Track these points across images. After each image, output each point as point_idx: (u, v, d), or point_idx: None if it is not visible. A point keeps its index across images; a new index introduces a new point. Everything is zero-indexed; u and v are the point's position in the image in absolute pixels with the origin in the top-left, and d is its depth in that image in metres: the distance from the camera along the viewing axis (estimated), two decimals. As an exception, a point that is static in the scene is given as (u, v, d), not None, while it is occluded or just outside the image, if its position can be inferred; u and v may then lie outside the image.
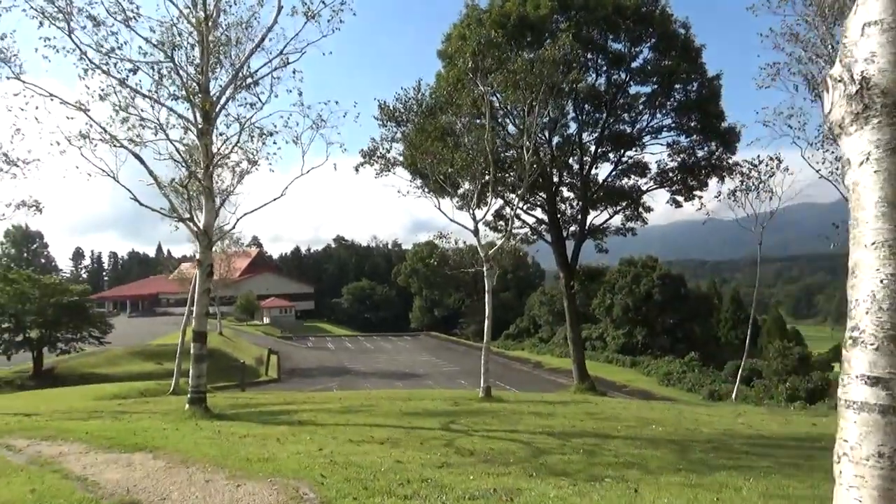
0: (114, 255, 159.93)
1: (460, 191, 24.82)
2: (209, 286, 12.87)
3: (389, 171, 20.76)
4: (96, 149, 12.00)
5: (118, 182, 12.26)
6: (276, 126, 13.60)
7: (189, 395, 12.87)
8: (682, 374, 52.70)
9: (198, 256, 12.63)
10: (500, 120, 22.91)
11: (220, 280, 64.58)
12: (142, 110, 12.36)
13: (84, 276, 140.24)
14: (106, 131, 11.95)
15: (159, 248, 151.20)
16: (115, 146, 12.12)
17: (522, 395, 21.37)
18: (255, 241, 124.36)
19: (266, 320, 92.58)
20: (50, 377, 37.99)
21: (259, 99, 13.13)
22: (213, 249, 37.02)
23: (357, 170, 19.89)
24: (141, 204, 12.41)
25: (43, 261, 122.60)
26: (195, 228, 12.69)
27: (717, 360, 60.22)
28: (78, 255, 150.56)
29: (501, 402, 17.22)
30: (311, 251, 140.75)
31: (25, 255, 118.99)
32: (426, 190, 25.48)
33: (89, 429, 11.29)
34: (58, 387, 33.62)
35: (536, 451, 8.63)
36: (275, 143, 13.52)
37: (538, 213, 31.42)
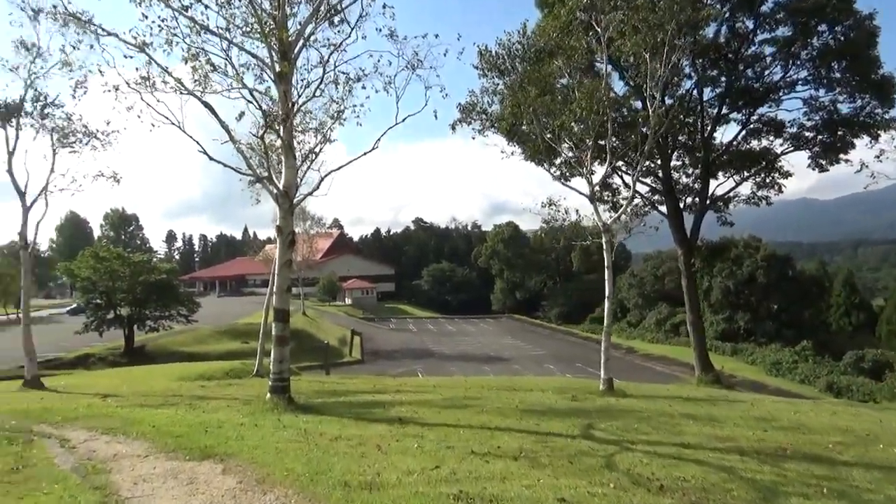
0: (203, 237, 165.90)
1: (558, 160, 22.25)
2: (290, 257, 11.01)
3: (489, 130, 18.46)
4: (157, 93, 10.30)
5: (184, 131, 10.57)
6: (363, 70, 11.54)
7: (270, 383, 11.07)
8: (793, 364, 47.83)
9: (277, 223, 10.78)
10: (608, 74, 20.06)
11: (303, 261, 64.68)
12: (208, 55, 10.50)
13: (176, 257, 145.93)
14: (169, 73, 10.23)
15: (245, 231, 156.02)
16: (180, 93, 10.41)
17: (645, 387, 18.64)
18: (337, 224, 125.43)
19: (348, 301, 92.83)
20: (141, 354, 38.25)
21: (345, 36, 11.07)
22: (297, 230, 36.05)
23: (454, 128, 17.68)
24: (210, 158, 10.68)
25: (138, 242, 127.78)
26: (274, 190, 10.84)
27: (829, 348, 54.66)
28: (171, 238, 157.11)
29: (627, 396, 14.66)
30: (391, 233, 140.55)
31: (122, 237, 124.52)
32: (525, 155, 23.05)
33: (158, 420, 9.66)
34: (147, 364, 33.58)
35: (756, 486, 6.12)
36: (363, 87, 11.49)
37: (647, 183, 28.17)
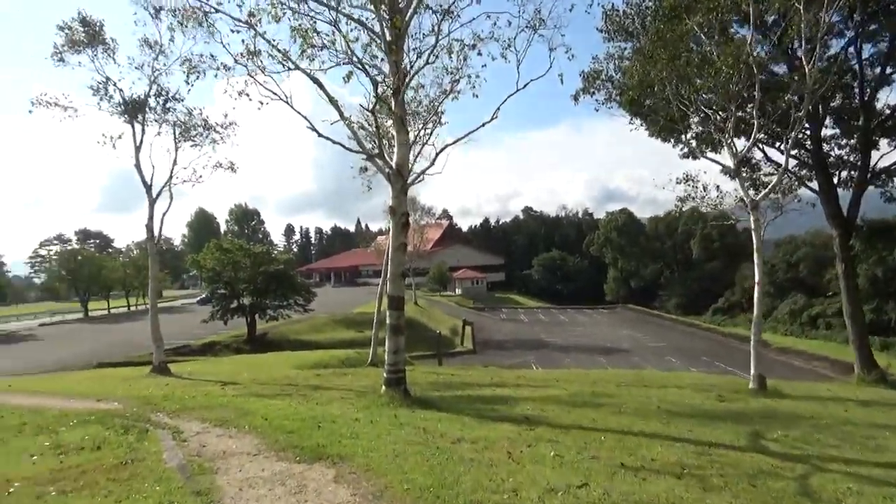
0: (319, 230, 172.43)
1: (689, 133, 20.15)
2: (405, 240, 10.22)
3: (613, 101, 16.88)
4: (265, 69, 9.76)
5: (292, 107, 9.99)
6: (479, 35, 10.48)
7: (385, 375, 10.35)
8: (961, 361, 42.09)
9: (390, 203, 10.01)
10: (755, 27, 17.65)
11: (414, 251, 65.15)
12: (315, 24, 9.81)
13: (294, 249, 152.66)
14: (276, 48, 9.63)
15: (358, 223, 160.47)
16: (288, 68, 9.83)
17: (801, 386, 16.44)
18: (446, 214, 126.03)
19: (458, 291, 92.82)
20: (262, 342, 39.58)
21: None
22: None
23: (576, 98, 16.23)
24: (319, 134, 10.03)
25: (260, 236, 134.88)
26: (386, 168, 10.08)
27: None
28: (289, 231, 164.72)
29: (785, 397, 12.75)
30: (500, 223, 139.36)
31: (246, 230, 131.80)
32: (652, 130, 21.15)
33: (271, 412, 9.16)
34: (268, 351, 34.60)
35: None
36: (479, 53, 10.44)
37: (794, 156, 24.92)
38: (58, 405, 11.41)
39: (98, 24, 19.64)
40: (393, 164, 9.91)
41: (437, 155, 10.88)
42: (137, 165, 20.06)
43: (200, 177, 20.86)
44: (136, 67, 20.03)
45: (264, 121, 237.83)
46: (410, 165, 10.76)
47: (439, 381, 15.41)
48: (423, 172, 11.31)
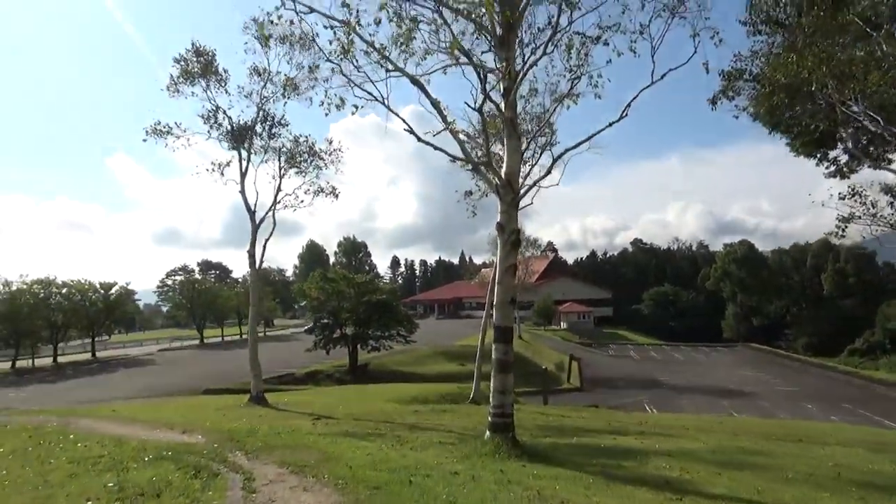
0: (424, 263, 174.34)
1: (845, 144, 17.47)
2: (514, 262, 8.79)
3: (749, 112, 14.78)
4: (360, 68, 8.79)
5: (389, 108, 8.96)
6: (603, 25, 9.01)
7: (490, 419, 8.86)
8: None
9: (498, 219, 8.66)
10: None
11: (519, 283, 63.38)
12: (418, 21, 8.75)
13: (399, 281, 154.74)
14: (374, 47, 8.64)
15: (462, 256, 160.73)
16: (387, 70, 8.80)
17: None
18: (550, 247, 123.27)
19: (563, 325, 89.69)
20: (363, 372, 39.15)
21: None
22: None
23: (714, 103, 14.19)
24: (419, 139, 8.85)
25: (367, 268, 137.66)
26: (494, 179, 8.76)
27: None
28: (395, 264, 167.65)
29: None
30: (608, 256, 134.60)
31: (353, 262, 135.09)
32: (796, 144, 18.57)
33: (358, 459, 7.91)
34: (369, 382, 33.98)
35: None
36: (605, 44, 8.96)
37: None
38: (143, 436, 10.82)
39: (210, 53, 19.92)
40: (502, 173, 8.58)
41: (553, 162, 9.48)
42: (242, 192, 20.01)
43: (302, 202, 20.64)
44: (244, 95, 20.21)
45: (372, 156, 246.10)
46: (521, 179, 9.36)
47: (549, 424, 13.71)
48: (536, 183, 9.84)
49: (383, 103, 8.99)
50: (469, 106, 8.62)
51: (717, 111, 14.17)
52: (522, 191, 9.32)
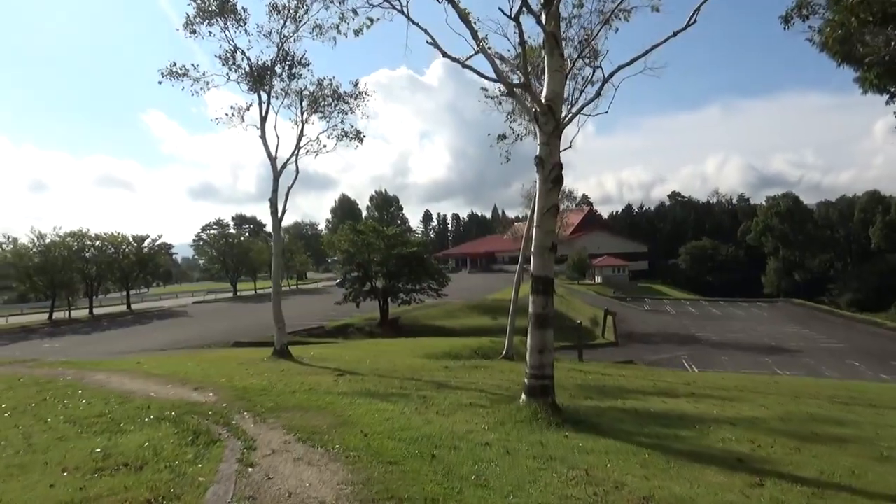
0: (456, 216, 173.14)
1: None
2: (556, 202, 7.57)
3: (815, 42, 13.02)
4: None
5: (409, 18, 7.67)
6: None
7: (527, 381, 7.79)
8: None
9: (537, 151, 7.41)
10: None
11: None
12: None
13: (432, 235, 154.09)
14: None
15: (494, 210, 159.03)
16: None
17: None
18: (586, 200, 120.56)
19: (598, 279, 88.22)
20: (395, 326, 38.57)
21: None
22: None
23: (787, 21, 12.34)
24: (444, 54, 7.58)
25: (399, 222, 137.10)
26: (532, 106, 7.51)
27: None
28: (427, 218, 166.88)
29: None
30: (644, 209, 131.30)
31: (385, 216, 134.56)
32: (862, 83, 16.66)
33: (375, 425, 6.98)
34: (400, 336, 33.38)
35: None
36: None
37: None
38: (153, 392, 10.11)
39: (227, -11, 18.64)
40: (542, 97, 7.32)
41: (603, 83, 8.02)
42: (263, 137, 18.98)
43: (325, 146, 19.58)
44: (264, 35, 18.99)
45: (404, 111, 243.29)
46: (564, 100, 7.99)
47: (589, 383, 12.66)
48: (581, 110, 8.38)
49: (402, 12, 7.73)
50: (503, 13, 7.28)
51: (790, 30, 12.32)
52: (565, 117, 7.97)
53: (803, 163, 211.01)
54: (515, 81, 8.79)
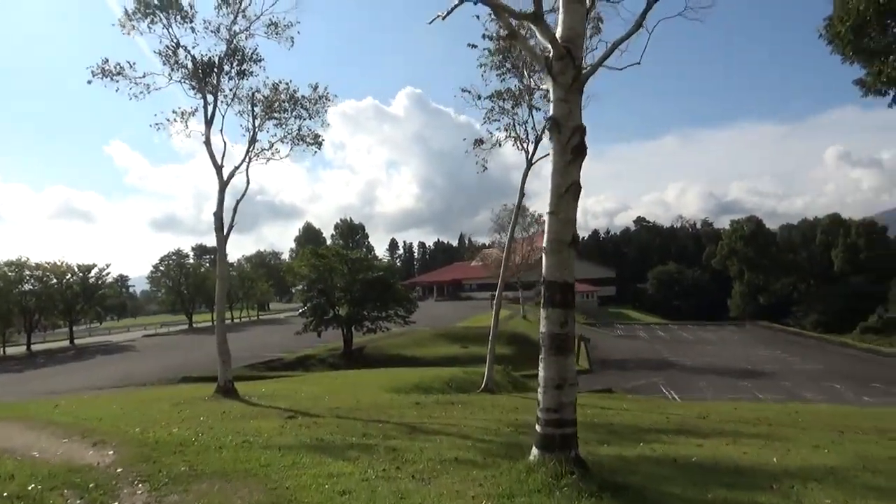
0: (422, 245, 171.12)
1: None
2: (577, 178, 5.43)
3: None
4: None
5: None
6: None
7: (539, 429, 5.54)
8: None
9: (551, 111, 5.34)
10: None
11: (523, 262, 61.29)
12: None
13: (398, 263, 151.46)
14: None
15: (461, 238, 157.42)
16: None
17: None
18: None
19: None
20: (359, 356, 36.13)
21: None
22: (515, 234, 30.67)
23: None
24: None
25: (364, 250, 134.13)
26: (543, 45, 5.49)
27: None
28: (393, 246, 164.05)
29: None
30: (610, 234, 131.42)
31: (350, 244, 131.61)
32: (866, 85, 15.35)
33: (325, 501, 4.72)
34: (365, 367, 30.93)
35: None
36: None
37: None
38: (39, 448, 7.68)
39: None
40: (558, 33, 5.29)
41: (644, 15, 5.91)
42: (207, 142, 16.66)
43: (278, 151, 17.38)
44: (212, 31, 16.79)
45: (371, 141, 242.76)
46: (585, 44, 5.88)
47: (591, 419, 10.53)
48: (607, 57, 6.22)
49: None
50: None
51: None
52: (586, 69, 5.91)
53: (759, 190, 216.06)
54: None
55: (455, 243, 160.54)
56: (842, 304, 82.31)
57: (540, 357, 5.58)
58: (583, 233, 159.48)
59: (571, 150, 5.36)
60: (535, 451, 5.52)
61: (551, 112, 5.52)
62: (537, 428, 5.49)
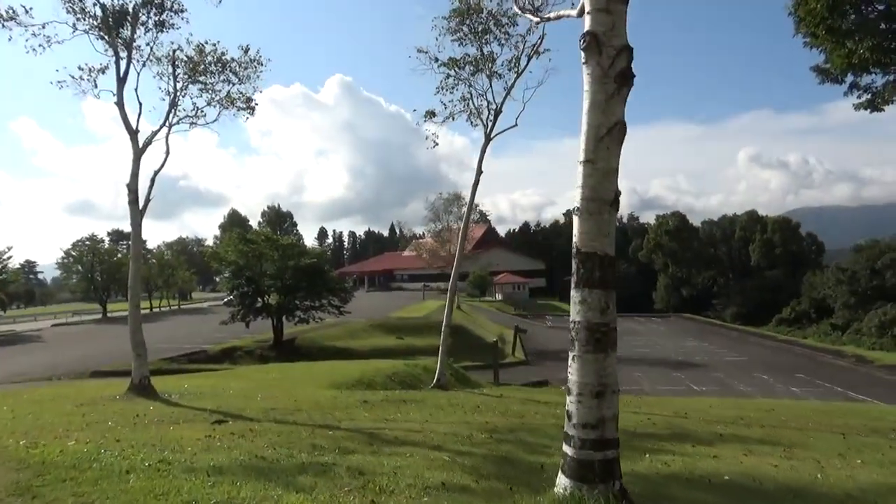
0: (353, 234, 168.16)
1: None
2: (622, 116, 4.09)
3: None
4: None
5: None
6: None
7: (570, 451, 4.11)
8: None
9: (586, 25, 4.01)
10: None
11: (467, 253, 60.39)
12: None
13: (328, 253, 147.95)
14: None
15: (392, 229, 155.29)
16: None
17: None
18: (484, 217, 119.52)
19: (498, 297, 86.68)
20: (290, 348, 34.07)
21: None
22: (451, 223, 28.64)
23: None
24: None
25: (293, 238, 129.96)
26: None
27: None
28: (322, 235, 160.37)
29: None
30: (540, 226, 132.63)
31: (278, 232, 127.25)
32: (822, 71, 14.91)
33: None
34: (296, 359, 28.97)
35: None
36: None
37: None
38: None
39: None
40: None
41: None
42: (119, 103, 14.46)
43: (205, 115, 15.38)
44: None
45: (300, 128, 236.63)
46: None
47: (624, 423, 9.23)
48: None
49: None
50: None
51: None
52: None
53: (678, 187, 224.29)
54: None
55: (386, 233, 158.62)
56: (758, 296, 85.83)
57: (570, 355, 4.21)
58: (512, 225, 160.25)
59: (615, 76, 4.01)
60: (563, 480, 4.11)
61: (587, 26, 4.13)
62: (568, 451, 4.09)
